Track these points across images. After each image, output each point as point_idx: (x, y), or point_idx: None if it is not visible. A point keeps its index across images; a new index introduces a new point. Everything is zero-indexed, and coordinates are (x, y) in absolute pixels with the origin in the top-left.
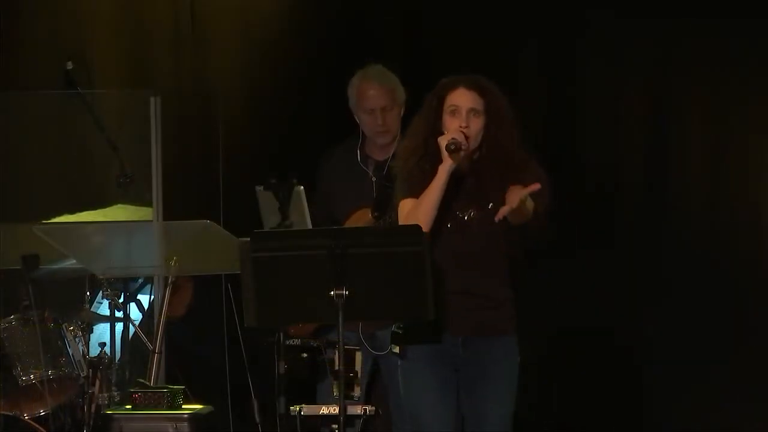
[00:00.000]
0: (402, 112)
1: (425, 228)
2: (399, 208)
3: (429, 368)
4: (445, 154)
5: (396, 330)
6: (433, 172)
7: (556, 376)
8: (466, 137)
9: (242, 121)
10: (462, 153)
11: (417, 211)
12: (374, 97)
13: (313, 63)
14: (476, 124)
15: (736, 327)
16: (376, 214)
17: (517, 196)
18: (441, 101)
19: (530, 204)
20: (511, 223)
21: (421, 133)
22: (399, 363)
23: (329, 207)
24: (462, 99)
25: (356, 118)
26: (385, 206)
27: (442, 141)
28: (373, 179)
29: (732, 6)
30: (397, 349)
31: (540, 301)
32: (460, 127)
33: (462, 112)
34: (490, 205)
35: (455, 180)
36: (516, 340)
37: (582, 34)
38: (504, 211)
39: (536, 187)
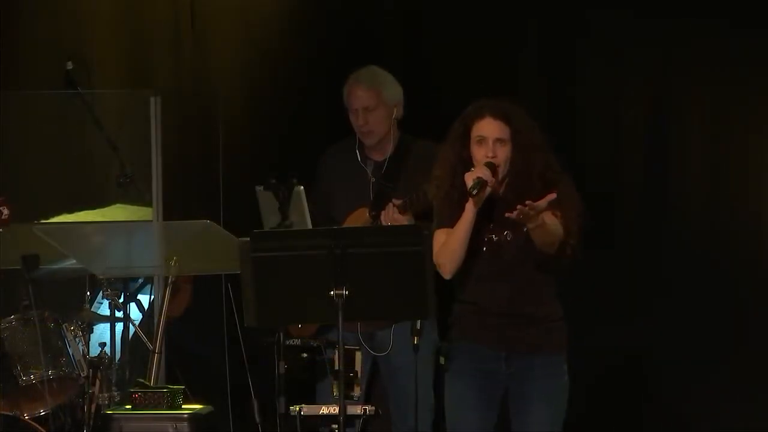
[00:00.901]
0: (396, 113)
1: (455, 263)
2: (434, 238)
3: (471, 383)
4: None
5: (443, 344)
6: (461, 203)
7: None
8: (495, 166)
9: (242, 121)
10: (488, 188)
11: (446, 247)
12: (358, 97)
13: (313, 63)
14: (503, 153)
15: (736, 327)
16: (373, 213)
17: (534, 204)
18: (468, 130)
19: (556, 228)
20: (535, 243)
21: (449, 162)
22: (445, 374)
23: (329, 207)
24: (488, 129)
25: None
26: (383, 205)
27: (468, 179)
28: (372, 180)
29: (732, 6)
30: (443, 360)
31: None
32: (487, 156)
33: (489, 143)
34: (526, 229)
35: (489, 204)
36: (562, 359)
37: (582, 34)
38: (520, 209)
39: (552, 196)
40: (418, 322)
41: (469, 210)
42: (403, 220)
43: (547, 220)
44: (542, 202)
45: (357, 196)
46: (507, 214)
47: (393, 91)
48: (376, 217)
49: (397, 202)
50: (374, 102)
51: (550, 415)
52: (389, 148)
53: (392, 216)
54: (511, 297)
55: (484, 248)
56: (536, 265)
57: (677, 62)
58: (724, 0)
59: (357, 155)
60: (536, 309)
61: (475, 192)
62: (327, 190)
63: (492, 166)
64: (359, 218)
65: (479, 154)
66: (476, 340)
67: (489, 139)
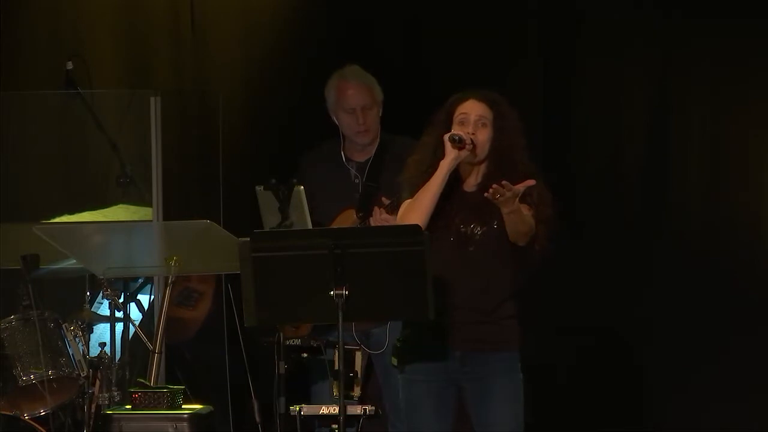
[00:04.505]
0: (381, 112)
1: (421, 219)
2: (399, 212)
3: (426, 383)
4: (448, 146)
5: (396, 343)
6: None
7: (554, 375)
8: (474, 144)
9: (242, 121)
10: (467, 150)
11: (413, 205)
12: (354, 96)
13: (313, 63)
14: (483, 134)
15: (735, 327)
16: (360, 214)
17: (511, 186)
18: (450, 115)
19: (530, 219)
20: (508, 232)
21: (430, 146)
22: (399, 376)
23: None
24: (471, 108)
25: (335, 119)
26: (370, 206)
27: (446, 135)
28: (357, 181)
29: (732, 6)
30: (395, 362)
31: (539, 299)
32: (468, 133)
33: (470, 120)
34: (495, 224)
35: (461, 194)
36: (517, 357)
37: (582, 34)
38: (494, 188)
39: (531, 182)
40: None
41: (445, 163)
42: (393, 220)
43: (523, 211)
44: (520, 186)
45: (342, 198)
46: (485, 194)
47: (379, 88)
48: (364, 218)
49: (386, 202)
50: (370, 100)
51: (513, 414)
52: (374, 148)
53: (381, 217)
54: (472, 291)
55: (452, 238)
56: (503, 259)
57: (677, 62)
58: (724, 0)
59: (342, 157)
60: (495, 306)
61: (456, 138)
62: (310, 192)
63: (461, 140)
64: (347, 220)
65: (461, 132)
66: (431, 338)
67: (471, 116)
